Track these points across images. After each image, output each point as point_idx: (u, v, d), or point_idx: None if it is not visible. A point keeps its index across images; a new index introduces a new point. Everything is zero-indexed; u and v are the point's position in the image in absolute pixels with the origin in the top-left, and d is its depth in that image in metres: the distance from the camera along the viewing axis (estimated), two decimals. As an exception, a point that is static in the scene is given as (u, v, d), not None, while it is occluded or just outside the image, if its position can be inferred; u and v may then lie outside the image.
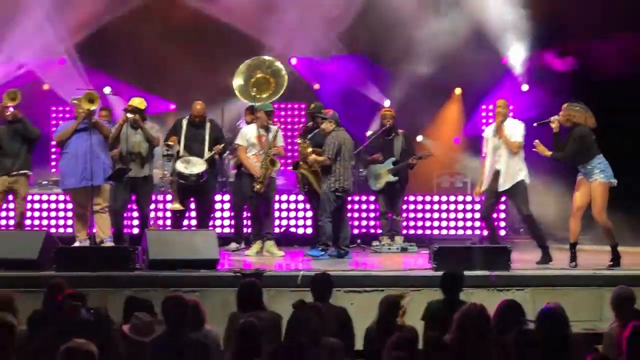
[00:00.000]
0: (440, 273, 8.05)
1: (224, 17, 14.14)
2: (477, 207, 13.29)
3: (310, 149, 11.39)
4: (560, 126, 10.11)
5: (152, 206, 11.67)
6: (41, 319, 6.52)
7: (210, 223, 12.49)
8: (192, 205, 12.03)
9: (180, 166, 11.20)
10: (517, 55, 14.45)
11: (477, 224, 13.48)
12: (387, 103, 13.72)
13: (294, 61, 14.80)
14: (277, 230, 12.52)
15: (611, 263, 9.79)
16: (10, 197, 11.41)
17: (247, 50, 13.22)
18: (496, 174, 10.47)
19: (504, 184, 10.39)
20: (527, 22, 13.67)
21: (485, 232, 11.81)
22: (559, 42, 14.34)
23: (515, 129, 10.58)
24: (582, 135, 9.87)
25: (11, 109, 10.85)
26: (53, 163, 14.54)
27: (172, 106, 14.09)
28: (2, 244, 9.90)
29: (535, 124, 10.93)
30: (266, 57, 12.42)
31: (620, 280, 8.01)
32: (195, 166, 11.33)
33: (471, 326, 5.13)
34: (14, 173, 11.00)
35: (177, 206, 11.33)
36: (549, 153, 10.08)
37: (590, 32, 13.46)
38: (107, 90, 12.65)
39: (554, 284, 9.05)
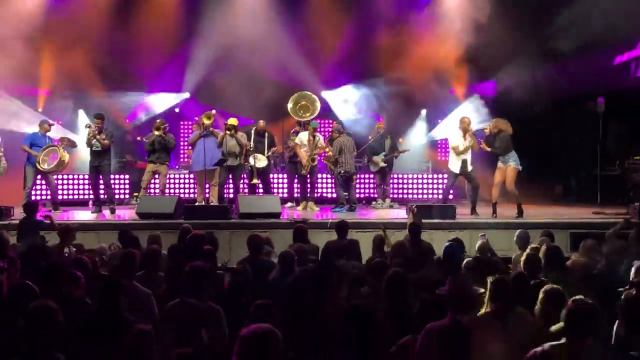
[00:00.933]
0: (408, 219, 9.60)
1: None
2: (436, 181, 14.77)
3: (329, 150, 13.03)
4: (491, 132, 11.58)
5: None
6: (176, 249, 7.60)
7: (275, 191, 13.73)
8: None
9: (252, 160, 12.51)
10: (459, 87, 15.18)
11: (435, 191, 14.85)
12: (381, 120, 14.43)
13: (323, 94, 15.64)
14: (315, 194, 13.58)
15: (517, 215, 11.15)
16: (156, 176, 12.64)
17: (295, 87, 14.17)
18: (464, 162, 11.79)
19: (468, 168, 11.84)
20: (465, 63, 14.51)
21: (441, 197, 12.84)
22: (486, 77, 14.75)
23: (473, 137, 11.81)
24: (504, 137, 11.35)
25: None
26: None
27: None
28: (153, 204, 11.44)
29: (476, 130, 12.35)
30: (307, 92, 13.66)
31: (522, 225, 9.46)
32: (260, 161, 12.71)
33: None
34: (157, 162, 12.46)
35: (254, 181, 12.51)
36: (488, 148, 11.51)
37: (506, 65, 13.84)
38: (213, 111, 12.73)
39: (482, 228, 9.94)
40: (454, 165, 12.01)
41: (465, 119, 12.05)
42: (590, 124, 15.20)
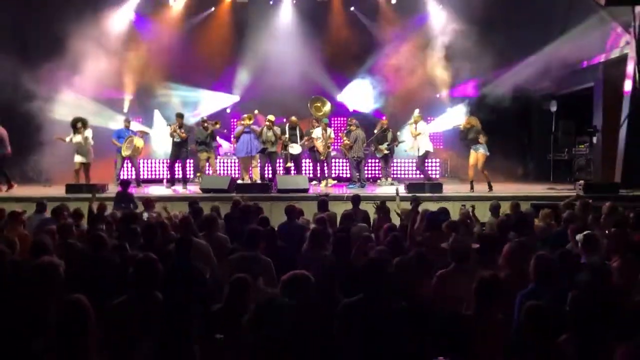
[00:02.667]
0: (410, 194, 9.91)
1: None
2: (427, 164, 13.81)
3: (346, 139, 13.05)
4: (465, 127, 11.60)
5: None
6: (230, 217, 7.49)
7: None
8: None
9: (289, 149, 12.85)
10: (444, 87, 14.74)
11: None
12: (384, 117, 13.91)
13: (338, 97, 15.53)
14: (332, 174, 13.55)
15: (489, 189, 11.25)
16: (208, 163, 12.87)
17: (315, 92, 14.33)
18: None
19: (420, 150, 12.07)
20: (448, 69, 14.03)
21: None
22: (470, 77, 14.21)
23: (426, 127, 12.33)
24: (475, 130, 11.32)
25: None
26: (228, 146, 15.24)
27: (284, 119, 13.52)
28: (212, 181, 11.49)
29: (453, 126, 12.64)
30: (320, 96, 13.96)
31: (492, 198, 9.41)
32: (294, 148, 12.96)
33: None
34: (209, 151, 12.81)
35: (288, 165, 12.82)
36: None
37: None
38: (256, 111, 13.03)
39: (463, 200, 9.99)
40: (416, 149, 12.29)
41: (415, 114, 12.28)
42: (545, 119, 15.22)
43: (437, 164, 15.18)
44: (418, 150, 12.20)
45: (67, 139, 12.05)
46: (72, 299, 2.84)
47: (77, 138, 11.96)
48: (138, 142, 12.70)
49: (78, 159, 12.00)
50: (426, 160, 12.80)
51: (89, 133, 12.07)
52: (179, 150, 12.44)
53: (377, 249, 4.96)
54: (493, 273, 3.69)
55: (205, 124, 12.75)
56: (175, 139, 12.37)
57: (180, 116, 12.68)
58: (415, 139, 12.19)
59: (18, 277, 4.22)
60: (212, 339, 3.20)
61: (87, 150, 12.00)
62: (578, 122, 14.60)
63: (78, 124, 11.96)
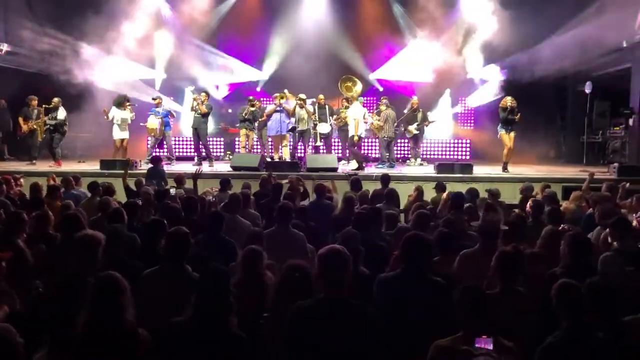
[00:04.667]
0: (439, 174, 10.26)
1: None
2: (456, 145, 14.73)
3: (377, 119, 12.76)
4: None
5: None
6: (260, 193, 7.77)
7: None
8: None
9: (317, 127, 12.73)
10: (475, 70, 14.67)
11: (455, 153, 14.81)
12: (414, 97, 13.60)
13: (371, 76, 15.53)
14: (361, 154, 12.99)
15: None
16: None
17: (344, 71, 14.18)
18: None
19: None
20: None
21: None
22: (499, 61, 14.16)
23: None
24: (511, 111, 11.10)
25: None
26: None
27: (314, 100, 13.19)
28: (242, 159, 11.64)
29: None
30: (351, 76, 13.59)
31: (524, 179, 9.46)
32: (323, 127, 12.90)
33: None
34: (249, 129, 12.85)
35: (318, 144, 12.81)
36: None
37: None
38: (285, 90, 12.72)
39: (492, 180, 10.16)
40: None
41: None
42: (579, 101, 14.87)
43: (468, 145, 15.06)
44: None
45: (111, 116, 12.29)
46: (106, 276, 2.84)
47: (124, 114, 12.26)
48: (149, 122, 12.80)
49: (122, 135, 12.35)
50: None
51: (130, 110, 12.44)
52: (198, 126, 12.42)
53: (400, 226, 5.03)
54: (515, 246, 3.68)
55: (252, 103, 12.89)
56: (196, 113, 12.38)
57: (206, 93, 12.81)
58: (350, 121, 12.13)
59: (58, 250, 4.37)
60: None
61: (127, 127, 12.36)
62: (613, 104, 14.31)
63: (124, 101, 12.29)
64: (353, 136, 11.93)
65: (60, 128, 12.25)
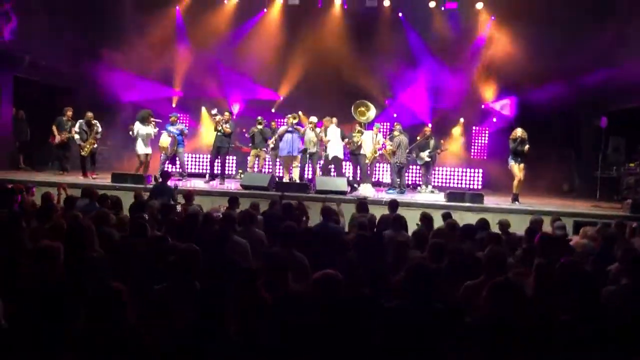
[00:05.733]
0: (449, 202, 10.18)
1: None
2: (469, 174, 14.64)
3: (390, 144, 12.86)
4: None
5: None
6: (269, 212, 7.68)
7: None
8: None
9: (327, 150, 12.76)
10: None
11: (467, 182, 14.84)
12: (429, 125, 13.92)
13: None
14: (373, 179, 13.63)
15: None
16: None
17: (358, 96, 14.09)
18: None
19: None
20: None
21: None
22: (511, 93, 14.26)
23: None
24: (521, 142, 10.95)
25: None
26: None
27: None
28: (253, 178, 11.73)
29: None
30: (365, 100, 13.56)
31: (535, 212, 9.35)
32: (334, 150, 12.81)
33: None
34: (259, 148, 13.21)
35: (329, 167, 12.84)
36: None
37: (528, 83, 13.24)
38: (300, 112, 13.05)
39: (502, 211, 9.90)
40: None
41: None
42: (594, 135, 14.71)
43: (480, 175, 14.98)
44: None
45: (135, 130, 12.40)
46: (109, 287, 2.88)
47: (148, 129, 12.39)
48: (162, 140, 12.83)
49: (146, 150, 12.47)
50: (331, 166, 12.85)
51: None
52: (221, 145, 12.52)
53: (415, 255, 4.94)
54: (505, 277, 3.65)
55: (259, 122, 13.12)
56: (219, 133, 12.45)
57: (229, 112, 12.94)
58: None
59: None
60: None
61: (149, 142, 12.52)
62: (629, 140, 14.11)
63: (149, 117, 12.42)
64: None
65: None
